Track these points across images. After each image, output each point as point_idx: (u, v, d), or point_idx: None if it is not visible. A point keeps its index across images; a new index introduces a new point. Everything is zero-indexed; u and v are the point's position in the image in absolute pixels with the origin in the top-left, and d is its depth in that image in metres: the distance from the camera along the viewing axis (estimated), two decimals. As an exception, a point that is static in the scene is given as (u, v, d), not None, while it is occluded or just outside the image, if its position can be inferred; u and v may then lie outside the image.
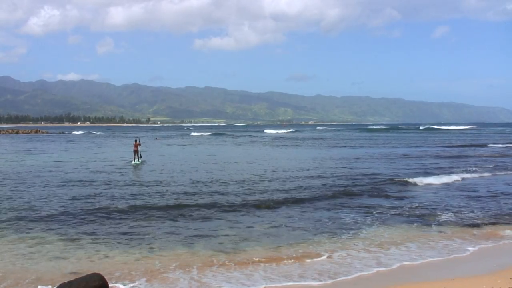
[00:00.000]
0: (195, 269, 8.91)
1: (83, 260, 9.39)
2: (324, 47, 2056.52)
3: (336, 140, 65.82)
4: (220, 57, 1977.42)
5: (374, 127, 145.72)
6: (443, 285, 8.08)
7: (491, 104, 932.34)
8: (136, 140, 30.32)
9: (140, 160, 29.33)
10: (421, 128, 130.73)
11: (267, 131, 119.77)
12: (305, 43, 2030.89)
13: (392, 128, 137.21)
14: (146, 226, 12.14)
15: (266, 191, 17.64)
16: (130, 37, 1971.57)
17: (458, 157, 34.24)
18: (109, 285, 7.41)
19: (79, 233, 11.41)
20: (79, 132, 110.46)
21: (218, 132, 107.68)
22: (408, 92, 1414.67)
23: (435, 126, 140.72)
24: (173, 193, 17.04)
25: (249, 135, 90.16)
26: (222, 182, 19.91)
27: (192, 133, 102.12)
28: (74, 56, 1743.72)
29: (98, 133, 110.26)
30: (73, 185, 19.00)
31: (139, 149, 29.67)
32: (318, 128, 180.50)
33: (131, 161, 29.40)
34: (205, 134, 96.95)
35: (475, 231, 11.95)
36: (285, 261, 9.43)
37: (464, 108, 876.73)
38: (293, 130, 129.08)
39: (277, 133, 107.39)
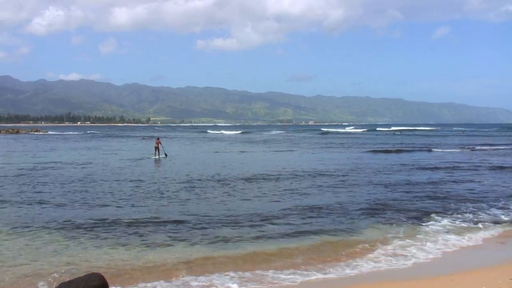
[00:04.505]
0: (196, 268, 8.94)
1: (82, 259, 9.35)
2: (325, 47, 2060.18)
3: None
4: (221, 57, 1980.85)
5: (326, 129, 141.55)
6: (443, 285, 8.08)
7: (492, 105, 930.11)
8: (158, 138, 35.04)
9: (160, 156, 32.70)
10: (377, 129, 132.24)
11: (210, 131, 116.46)
12: (307, 43, 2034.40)
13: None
14: (148, 223, 12.11)
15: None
16: (133, 38, 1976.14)
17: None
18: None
19: (79, 232, 11.36)
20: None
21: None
22: (408, 92, 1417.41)
23: (405, 128, 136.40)
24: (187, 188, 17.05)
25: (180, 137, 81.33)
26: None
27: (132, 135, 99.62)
28: (76, 56, 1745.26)
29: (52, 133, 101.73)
30: (76, 182, 19.06)
31: (160, 146, 33.41)
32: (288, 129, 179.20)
33: (153, 156, 32.99)
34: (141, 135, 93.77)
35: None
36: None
37: (464, 109, 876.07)
38: (241, 131, 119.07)
39: (221, 133, 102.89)
